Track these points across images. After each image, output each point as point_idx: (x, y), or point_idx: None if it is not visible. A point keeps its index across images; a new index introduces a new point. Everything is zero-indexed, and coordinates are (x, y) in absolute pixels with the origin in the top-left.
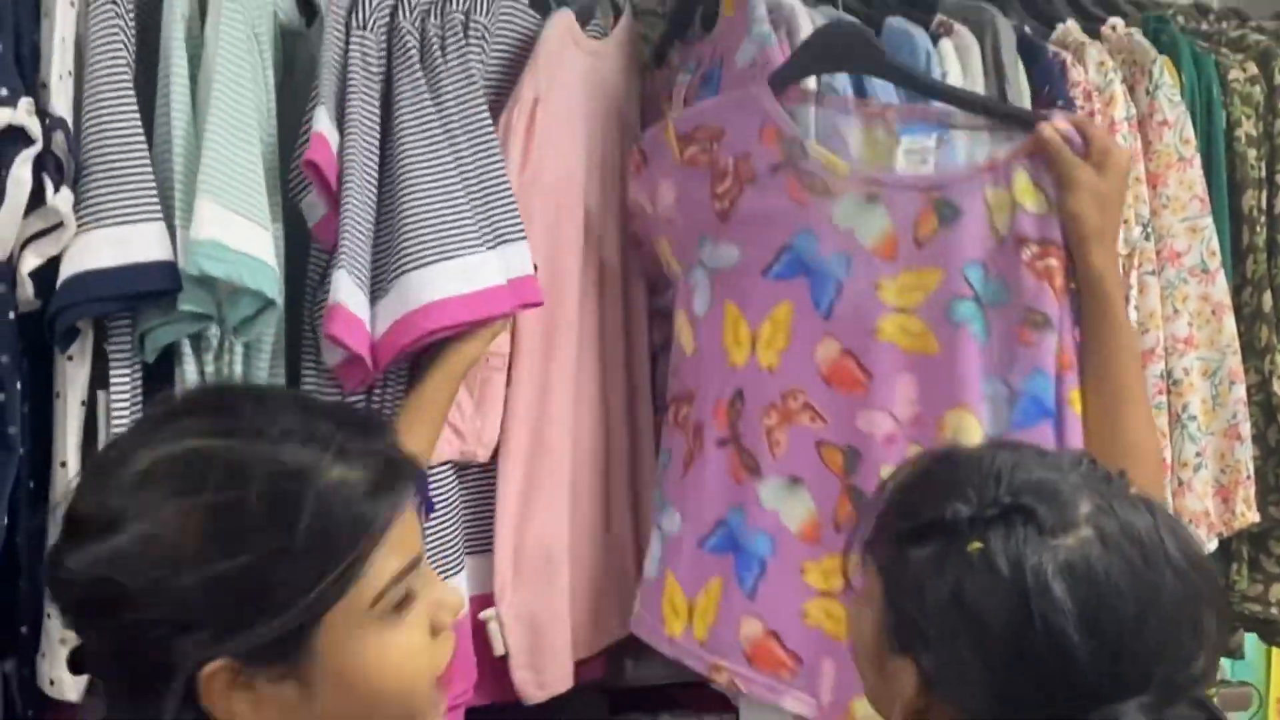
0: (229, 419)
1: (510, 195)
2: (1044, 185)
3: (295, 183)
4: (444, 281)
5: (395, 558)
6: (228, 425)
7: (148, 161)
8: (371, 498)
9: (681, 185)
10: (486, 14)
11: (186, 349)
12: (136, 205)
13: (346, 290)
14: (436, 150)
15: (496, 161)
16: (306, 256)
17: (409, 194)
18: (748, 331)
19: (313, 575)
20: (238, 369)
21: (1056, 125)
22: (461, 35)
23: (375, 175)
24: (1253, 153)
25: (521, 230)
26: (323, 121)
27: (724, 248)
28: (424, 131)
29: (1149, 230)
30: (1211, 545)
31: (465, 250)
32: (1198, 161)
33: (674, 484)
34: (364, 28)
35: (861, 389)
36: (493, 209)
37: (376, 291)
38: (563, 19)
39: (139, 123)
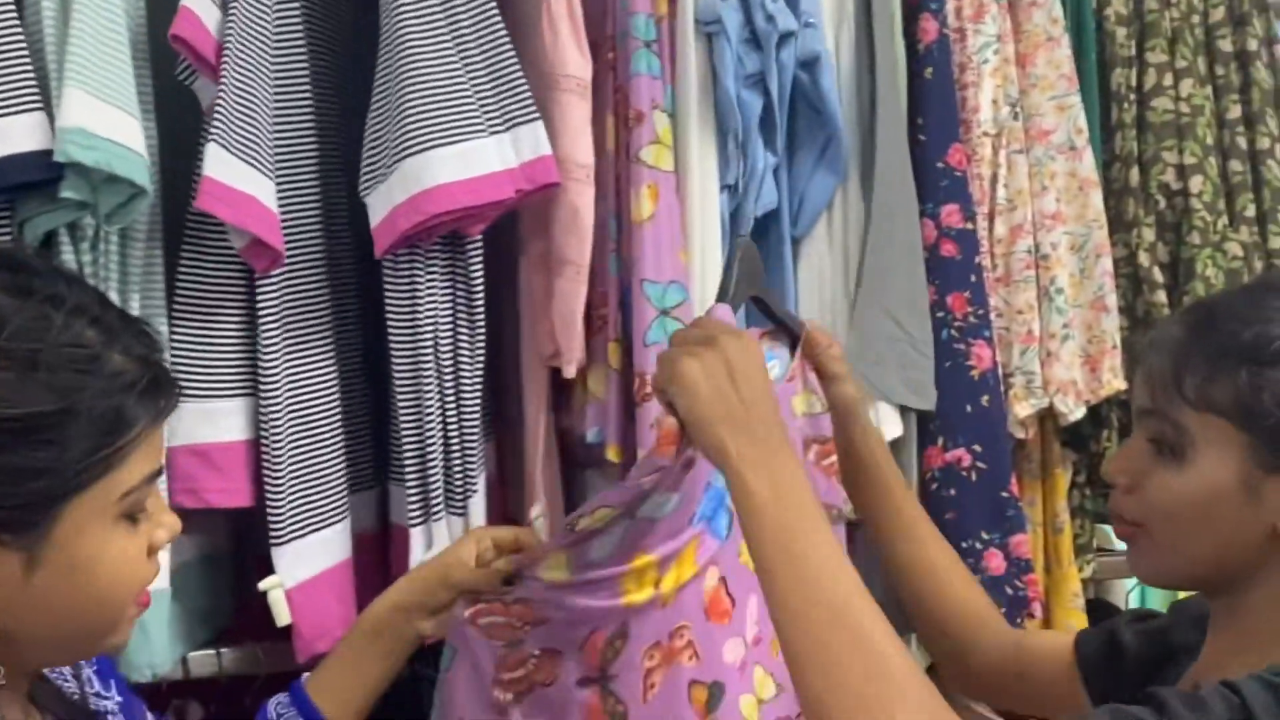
0: (25, 278)
1: (520, 77)
2: (812, 385)
3: (184, 67)
4: (444, 166)
5: (148, 462)
6: (23, 284)
7: (24, 51)
8: (142, 397)
9: None
10: None
11: (64, 237)
12: (12, 95)
13: (218, 163)
14: (437, 35)
15: (504, 44)
16: (196, 145)
17: (408, 79)
18: (655, 574)
19: (80, 448)
20: (113, 257)
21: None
22: None
23: (265, 50)
24: (1122, 31)
25: (534, 111)
26: None
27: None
28: (423, 17)
29: (1017, 109)
30: (1080, 412)
31: (466, 135)
32: (1066, 41)
33: None
34: None
35: (728, 618)
36: (502, 92)
37: (374, 178)
38: None
39: (13, 12)
